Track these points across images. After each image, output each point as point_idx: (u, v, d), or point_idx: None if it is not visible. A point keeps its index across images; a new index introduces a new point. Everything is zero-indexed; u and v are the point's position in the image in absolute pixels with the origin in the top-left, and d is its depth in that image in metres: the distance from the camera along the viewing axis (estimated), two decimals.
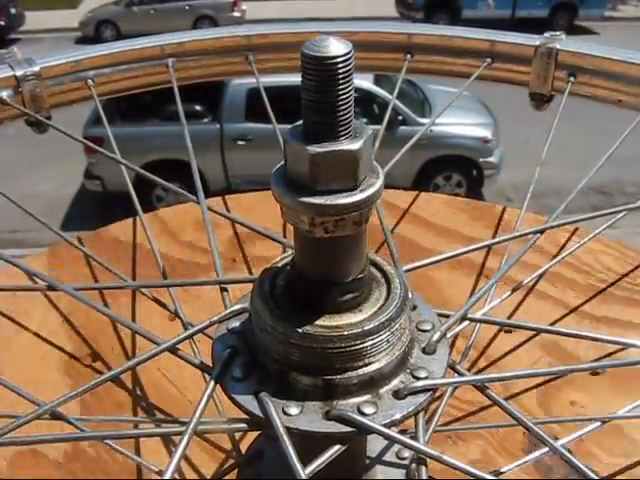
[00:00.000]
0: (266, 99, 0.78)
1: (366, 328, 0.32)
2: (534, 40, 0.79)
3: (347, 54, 0.29)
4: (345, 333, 0.32)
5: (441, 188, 5.90)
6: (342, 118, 0.30)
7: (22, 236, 5.24)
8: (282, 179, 0.31)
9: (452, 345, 0.57)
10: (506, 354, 0.61)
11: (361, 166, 0.30)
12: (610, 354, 0.59)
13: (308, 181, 0.30)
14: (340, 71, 0.29)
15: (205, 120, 5.86)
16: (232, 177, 5.91)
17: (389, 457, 0.41)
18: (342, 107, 0.29)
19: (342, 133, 0.30)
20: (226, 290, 0.43)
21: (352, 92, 0.30)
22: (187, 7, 12.23)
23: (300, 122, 0.31)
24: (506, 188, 6.11)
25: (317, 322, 0.32)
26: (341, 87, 0.29)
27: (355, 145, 0.30)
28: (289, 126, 0.31)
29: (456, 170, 5.95)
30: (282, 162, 0.32)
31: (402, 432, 0.36)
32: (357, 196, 0.30)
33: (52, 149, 5.59)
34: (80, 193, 6.38)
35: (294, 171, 0.31)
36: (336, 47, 0.29)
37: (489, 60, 0.80)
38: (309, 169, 0.30)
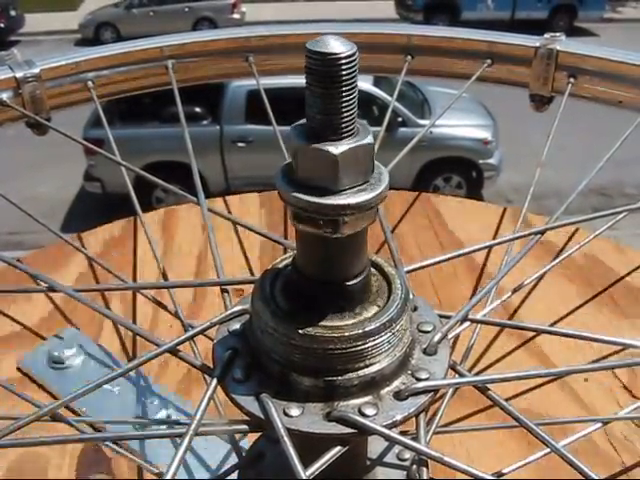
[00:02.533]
0: (266, 101, 0.78)
1: (367, 329, 0.32)
2: (534, 41, 0.79)
3: (351, 50, 0.29)
4: (346, 334, 0.32)
5: (441, 190, 5.89)
6: (344, 117, 0.29)
7: (21, 238, 5.24)
8: (284, 173, 0.31)
9: (453, 346, 0.57)
10: (507, 355, 0.61)
11: (342, 170, 0.30)
12: (611, 355, 0.59)
13: (296, 175, 0.30)
14: (343, 67, 0.29)
15: (205, 122, 5.86)
16: (232, 179, 5.91)
17: (390, 458, 0.41)
18: (344, 106, 0.29)
19: (344, 132, 0.30)
20: (226, 291, 0.42)
21: (355, 92, 0.30)
22: (187, 9, 12.23)
23: (303, 120, 0.31)
24: (506, 190, 6.11)
25: (318, 323, 0.32)
26: (344, 85, 0.29)
27: (340, 148, 0.29)
28: (289, 128, 0.31)
29: (456, 172, 5.94)
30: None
31: (403, 433, 0.36)
32: (336, 199, 0.30)
33: (52, 151, 5.59)
34: (80, 195, 6.37)
35: (292, 166, 0.31)
36: (340, 45, 0.29)
37: (489, 61, 0.80)
38: (296, 164, 0.30)
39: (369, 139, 0.30)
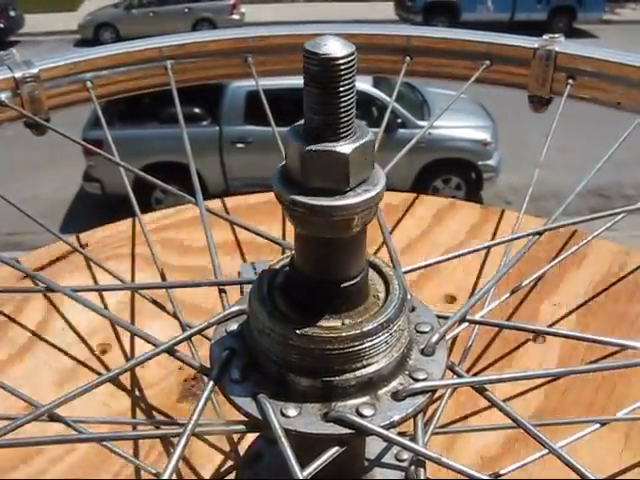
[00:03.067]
0: (265, 102, 0.78)
1: (365, 329, 0.32)
2: (533, 42, 0.79)
3: (349, 51, 0.29)
4: (343, 334, 0.32)
5: (440, 191, 5.89)
6: (342, 118, 0.29)
7: (21, 238, 5.24)
8: (280, 174, 0.32)
9: (451, 347, 0.57)
10: (505, 356, 0.61)
11: (309, 168, 0.30)
12: (609, 355, 0.59)
13: (297, 178, 0.31)
14: (342, 68, 0.28)
15: (204, 123, 5.86)
16: (231, 180, 5.91)
17: (388, 459, 0.41)
18: (342, 108, 0.29)
19: (341, 134, 0.30)
20: (224, 291, 0.43)
21: (354, 93, 0.29)
22: (186, 10, 12.23)
23: (301, 121, 0.31)
24: (505, 191, 6.11)
25: (315, 323, 0.32)
26: (342, 86, 0.29)
27: (348, 148, 0.29)
28: (288, 129, 0.31)
29: (455, 173, 5.95)
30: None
31: (401, 434, 0.36)
32: (296, 196, 0.30)
33: (51, 151, 5.59)
34: (79, 196, 6.37)
35: (289, 167, 0.31)
36: (338, 46, 0.29)
37: (488, 62, 0.80)
38: (300, 166, 0.30)
39: (344, 149, 0.29)
